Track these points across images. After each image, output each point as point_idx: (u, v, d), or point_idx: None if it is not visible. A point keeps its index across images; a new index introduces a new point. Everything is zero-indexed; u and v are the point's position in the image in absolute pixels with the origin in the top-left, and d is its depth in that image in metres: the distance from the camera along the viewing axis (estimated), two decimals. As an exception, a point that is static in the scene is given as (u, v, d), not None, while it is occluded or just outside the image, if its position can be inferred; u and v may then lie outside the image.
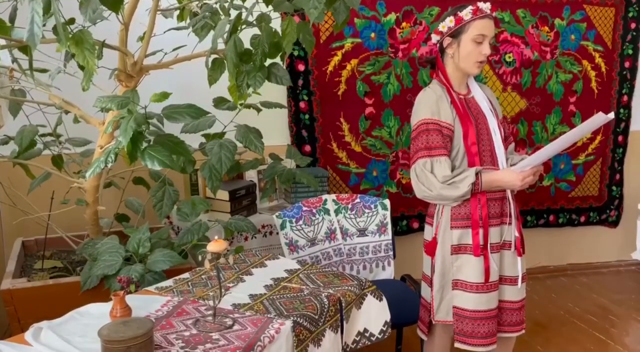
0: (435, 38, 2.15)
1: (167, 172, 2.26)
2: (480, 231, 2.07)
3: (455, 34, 2.08)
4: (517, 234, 2.15)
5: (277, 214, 2.48)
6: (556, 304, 3.60)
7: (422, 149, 2.07)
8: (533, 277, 3.90)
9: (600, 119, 1.85)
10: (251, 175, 2.95)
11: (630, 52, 3.89)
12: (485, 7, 2.05)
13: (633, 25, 3.86)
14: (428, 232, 2.21)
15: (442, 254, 2.13)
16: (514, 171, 2.03)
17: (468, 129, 2.07)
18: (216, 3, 2.12)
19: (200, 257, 1.54)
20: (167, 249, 2.12)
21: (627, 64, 3.90)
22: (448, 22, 2.08)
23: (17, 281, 2.07)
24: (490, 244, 2.09)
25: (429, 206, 2.21)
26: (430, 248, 2.17)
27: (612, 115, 1.87)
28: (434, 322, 2.18)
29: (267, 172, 2.67)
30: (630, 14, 3.84)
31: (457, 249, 2.10)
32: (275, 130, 3.25)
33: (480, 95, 2.18)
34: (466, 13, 2.04)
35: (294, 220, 2.49)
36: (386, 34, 3.39)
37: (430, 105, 2.09)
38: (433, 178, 2.04)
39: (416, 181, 2.08)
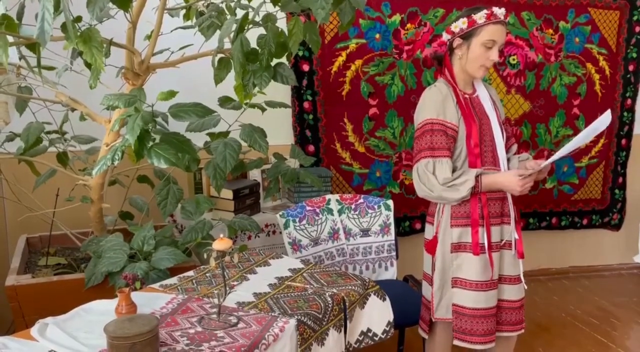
0: (445, 36, 2.15)
1: (172, 170, 2.28)
2: (481, 230, 2.09)
3: (467, 36, 2.07)
4: (517, 236, 2.16)
5: (280, 213, 2.49)
6: (558, 306, 3.60)
7: (425, 149, 2.08)
8: (535, 279, 3.90)
9: (605, 118, 1.85)
10: (255, 174, 2.95)
11: (635, 55, 3.89)
12: (500, 12, 2.03)
13: (637, 29, 3.87)
14: (429, 231, 2.22)
15: (442, 252, 2.14)
16: (514, 176, 2.04)
17: (471, 130, 2.08)
18: (222, 2, 2.13)
19: (205, 255, 1.55)
20: (171, 247, 2.12)
21: (631, 68, 3.90)
22: (461, 24, 2.07)
23: (22, 278, 2.08)
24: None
25: (430, 204, 2.23)
26: (431, 246, 2.18)
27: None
28: (433, 319, 2.20)
29: (271, 172, 2.68)
30: (635, 18, 3.84)
31: (457, 247, 2.11)
32: (279, 130, 3.26)
33: (484, 95, 2.19)
34: (480, 17, 2.03)
35: (297, 219, 2.50)
36: (391, 35, 3.40)
37: (436, 105, 2.09)
38: (434, 179, 2.05)
39: (418, 180, 2.10)
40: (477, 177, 2.04)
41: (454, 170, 2.09)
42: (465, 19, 2.06)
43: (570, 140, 1.98)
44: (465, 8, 2.11)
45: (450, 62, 2.16)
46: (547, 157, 2.14)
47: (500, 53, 2.09)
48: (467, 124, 2.08)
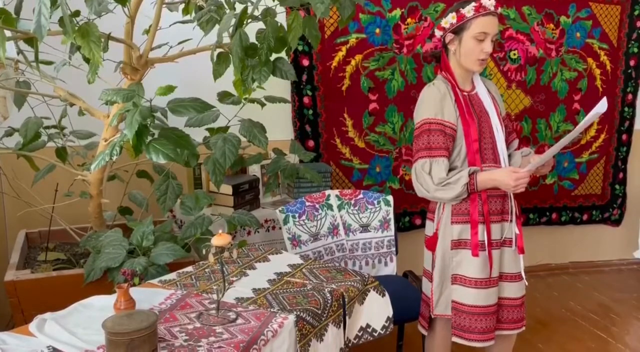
0: (438, 33, 2.15)
1: (171, 165, 2.27)
2: (481, 227, 2.08)
3: (457, 30, 2.06)
4: (517, 232, 2.15)
5: (280, 208, 2.49)
6: (557, 302, 3.60)
7: (422, 149, 2.07)
8: (534, 275, 3.90)
9: (600, 106, 1.83)
10: (254, 169, 2.95)
11: (636, 50, 3.88)
12: (489, 4, 2.02)
13: (639, 24, 3.85)
14: (429, 228, 2.22)
15: (442, 249, 2.13)
16: (508, 171, 2.01)
17: (470, 128, 2.07)
18: (221, -3, 2.12)
19: (204, 251, 1.54)
20: (171, 242, 2.12)
21: (632, 63, 3.89)
22: (450, 19, 2.06)
23: (21, 273, 2.08)
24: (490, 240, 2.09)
25: (430, 201, 2.22)
26: (431, 243, 2.17)
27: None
28: (433, 316, 2.19)
29: (271, 167, 2.67)
30: (636, 12, 3.82)
31: (457, 244, 2.11)
32: (279, 125, 3.25)
33: (483, 92, 2.17)
34: (468, 10, 2.02)
35: (297, 215, 2.49)
36: (391, 30, 3.38)
37: (434, 104, 2.08)
38: (429, 180, 2.04)
39: (415, 180, 2.10)
40: (471, 174, 2.03)
41: (454, 169, 2.08)
42: (454, 14, 2.05)
43: None
44: (456, 3, 2.10)
45: (447, 58, 2.14)
46: None
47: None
48: (465, 123, 2.07)
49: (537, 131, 3.77)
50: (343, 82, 3.37)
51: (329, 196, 2.63)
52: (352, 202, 2.66)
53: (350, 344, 1.80)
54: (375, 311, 1.87)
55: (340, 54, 3.34)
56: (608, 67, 3.84)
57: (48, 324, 1.45)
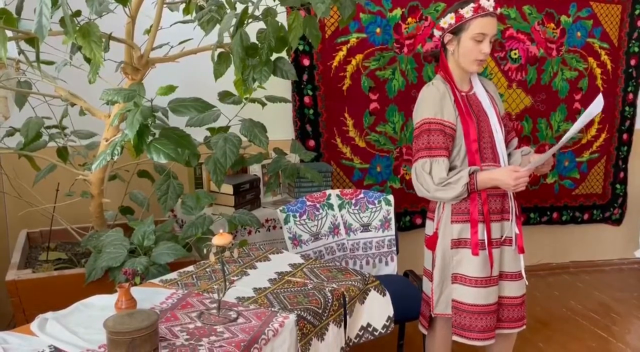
0: (437, 33, 2.15)
1: (172, 165, 2.27)
2: (481, 226, 2.08)
3: (456, 31, 2.06)
4: (517, 231, 2.15)
5: (281, 208, 2.49)
6: (558, 301, 3.60)
7: (422, 148, 2.07)
8: (535, 274, 3.90)
9: (597, 103, 1.83)
10: (255, 169, 2.95)
11: (636, 49, 3.87)
12: (488, 4, 2.02)
13: (639, 23, 3.85)
14: (429, 227, 2.22)
15: (442, 248, 2.14)
16: (508, 171, 2.00)
17: (469, 128, 2.07)
18: (222, -4, 2.12)
19: (205, 251, 1.55)
20: (172, 242, 2.12)
21: (632, 62, 3.89)
22: (449, 19, 2.06)
23: (22, 272, 2.08)
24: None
25: (430, 201, 2.22)
26: (431, 242, 2.17)
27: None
28: (433, 315, 2.20)
29: (271, 167, 2.67)
30: (637, 12, 3.82)
31: (457, 243, 2.11)
32: (280, 125, 3.25)
33: (482, 92, 2.17)
34: (467, 10, 2.02)
35: (297, 214, 2.50)
36: (391, 30, 3.39)
37: (433, 104, 2.08)
38: (430, 179, 2.04)
39: (415, 180, 2.10)
40: (472, 174, 2.03)
41: (453, 169, 2.08)
42: (453, 14, 2.05)
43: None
44: (455, 3, 2.10)
45: (445, 58, 2.15)
46: None
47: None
48: (464, 123, 2.07)
49: (537, 131, 3.78)
50: (344, 82, 3.37)
51: (329, 195, 2.64)
52: (353, 201, 2.66)
53: (351, 344, 1.81)
54: (376, 310, 1.87)
55: (341, 54, 3.34)
56: (609, 67, 3.84)
57: (49, 323, 1.46)
